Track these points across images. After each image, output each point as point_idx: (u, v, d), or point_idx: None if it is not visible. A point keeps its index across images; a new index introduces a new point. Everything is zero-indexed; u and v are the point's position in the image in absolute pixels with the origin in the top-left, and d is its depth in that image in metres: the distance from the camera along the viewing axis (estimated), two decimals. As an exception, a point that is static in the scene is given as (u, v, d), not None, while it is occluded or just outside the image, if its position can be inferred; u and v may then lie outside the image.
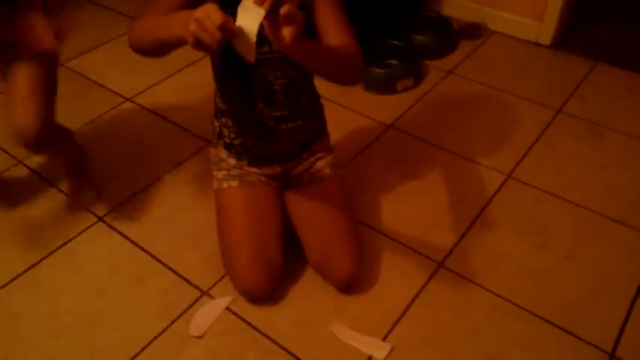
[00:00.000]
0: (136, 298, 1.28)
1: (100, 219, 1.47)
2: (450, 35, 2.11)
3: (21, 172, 1.62)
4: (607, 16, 2.15)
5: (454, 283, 1.29)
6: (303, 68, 1.05)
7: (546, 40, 2.09)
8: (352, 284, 1.26)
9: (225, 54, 1.17)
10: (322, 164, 1.33)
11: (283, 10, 0.82)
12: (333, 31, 1.08)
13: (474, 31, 2.17)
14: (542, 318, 1.22)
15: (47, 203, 1.52)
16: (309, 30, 1.10)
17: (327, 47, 1.05)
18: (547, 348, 1.17)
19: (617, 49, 2.05)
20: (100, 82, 1.97)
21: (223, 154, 1.33)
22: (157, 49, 1.01)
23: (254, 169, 1.31)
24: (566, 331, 1.19)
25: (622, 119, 1.76)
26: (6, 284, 1.31)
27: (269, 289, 1.23)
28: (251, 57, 0.89)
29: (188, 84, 1.96)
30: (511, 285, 1.29)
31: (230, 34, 0.84)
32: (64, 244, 1.40)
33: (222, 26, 0.82)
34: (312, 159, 1.33)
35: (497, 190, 1.53)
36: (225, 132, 1.30)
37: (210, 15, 0.82)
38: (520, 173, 1.58)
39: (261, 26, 0.84)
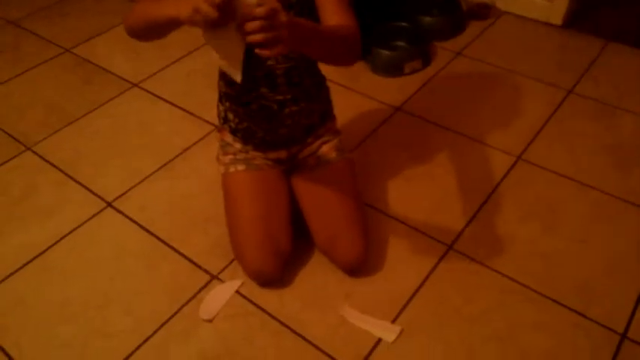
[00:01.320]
0: (146, 282, 1.29)
1: (109, 204, 1.47)
2: (459, 16, 2.08)
3: (30, 158, 1.62)
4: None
5: (463, 266, 1.29)
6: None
7: (557, 19, 2.05)
8: (358, 268, 1.25)
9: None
10: (328, 148, 1.32)
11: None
12: (332, 13, 1.07)
13: (483, 11, 2.13)
14: (553, 300, 1.21)
15: (56, 189, 1.52)
16: (309, 10, 1.09)
17: (323, 33, 1.02)
18: (558, 330, 1.16)
19: (630, 29, 2.01)
20: (106, 68, 1.97)
21: (229, 138, 1.33)
22: (152, 31, 1.06)
23: (260, 154, 1.31)
24: (578, 313, 1.19)
25: (634, 99, 1.73)
26: (16, 270, 1.32)
27: (278, 271, 1.23)
28: (238, 78, 0.94)
29: (193, 68, 1.95)
30: (521, 267, 1.28)
31: (229, 5, 0.84)
32: (74, 229, 1.41)
33: None
34: (318, 142, 1.32)
35: (507, 172, 1.51)
36: (230, 116, 1.29)
37: None
38: (530, 155, 1.56)
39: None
